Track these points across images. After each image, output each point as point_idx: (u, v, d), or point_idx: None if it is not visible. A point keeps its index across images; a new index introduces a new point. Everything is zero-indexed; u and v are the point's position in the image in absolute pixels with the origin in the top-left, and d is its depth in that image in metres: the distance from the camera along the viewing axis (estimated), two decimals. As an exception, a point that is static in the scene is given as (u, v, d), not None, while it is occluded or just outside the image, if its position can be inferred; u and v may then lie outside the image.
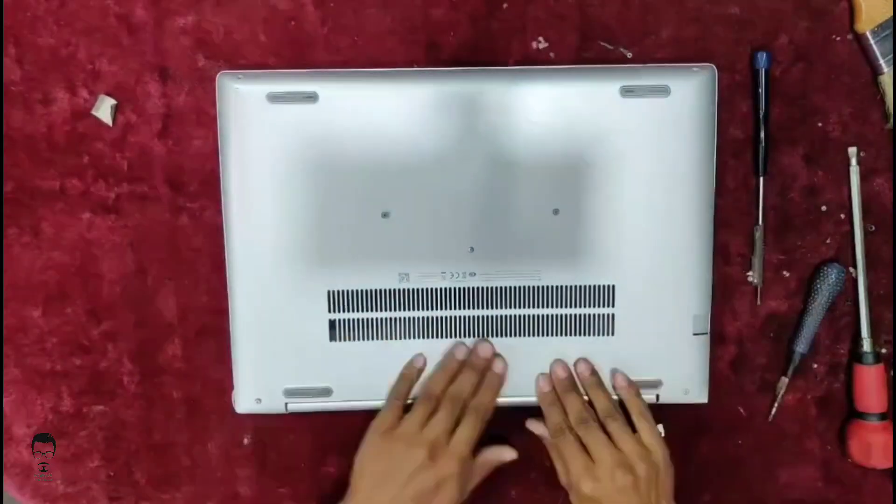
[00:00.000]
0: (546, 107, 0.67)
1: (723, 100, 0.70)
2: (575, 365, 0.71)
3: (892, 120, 0.71)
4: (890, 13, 0.69)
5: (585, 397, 0.70)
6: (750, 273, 0.73)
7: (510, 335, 0.70)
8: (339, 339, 0.70)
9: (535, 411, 0.73)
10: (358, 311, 0.69)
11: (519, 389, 0.71)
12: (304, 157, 0.67)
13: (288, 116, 0.67)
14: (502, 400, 0.71)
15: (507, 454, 0.72)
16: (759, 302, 0.73)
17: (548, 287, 0.69)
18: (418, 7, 0.70)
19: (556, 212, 0.68)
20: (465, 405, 0.69)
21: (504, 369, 0.70)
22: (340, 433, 0.74)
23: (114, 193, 0.71)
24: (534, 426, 0.72)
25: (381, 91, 0.67)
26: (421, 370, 0.71)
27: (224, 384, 0.73)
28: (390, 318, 0.70)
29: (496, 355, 0.71)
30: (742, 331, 0.74)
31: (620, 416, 0.68)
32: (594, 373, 0.71)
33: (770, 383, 0.75)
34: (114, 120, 0.71)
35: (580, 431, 0.67)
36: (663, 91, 0.67)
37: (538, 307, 0.70)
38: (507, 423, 0.74)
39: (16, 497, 0.75)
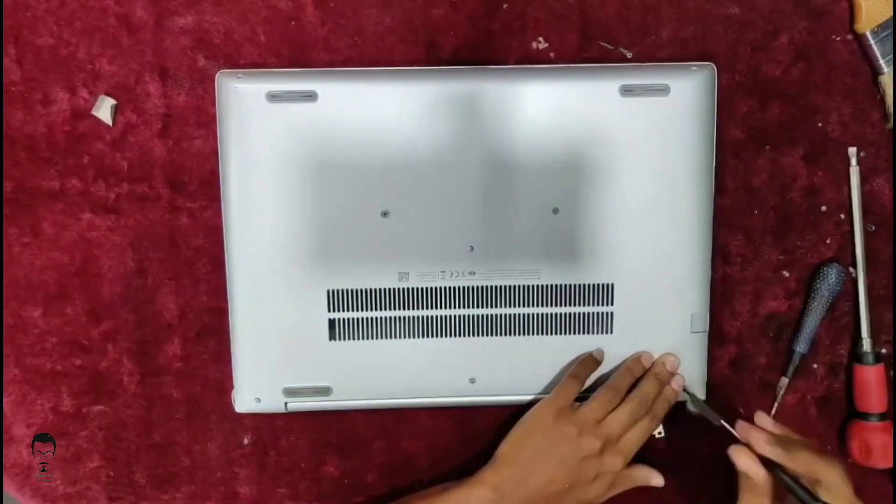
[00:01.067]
0: (546, 106, 0.67)
1: (722, 99, 0.70)
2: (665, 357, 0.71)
3: (892, 120, 0.71)
4: (890, 13, 0.69)
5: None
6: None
7: (510, 334, 0.70)
8: (339, 339, 0.70)
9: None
10: (357, 310, 0.69)
11: (518, 389, 0.71)
12: (303, 156, 0.67)
13: (287, 115, 0.67)
14: (502, 399, 0.72)
15: (655, 479, 0.72)
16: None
17: (547, 286, 0.69)
18: (418, 7, 0.70)
19: (555, 211, 0.68)
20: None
21: (681, 386, 0.71)
22: (340, 433, 0.74)
23: (114, 193, 0.71)
24: None
25: (380, 90, 0.67)
26: (600, 362, 0.71)
27: (224, 384, 0.73)
28: (390, 318, 0.70)
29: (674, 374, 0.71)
30: (742, 331, 0.74)
31: (638, 406, 0.69)
32: (669, 371, 0.71)
33: (770, 383, 0.75)
34: (114, 120, 0.71)
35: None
36: (663, 90, 0.67)
37: (538, 306, 0.70)
38: (506, 423, 0.74)
39: (16, 497, 0.75)
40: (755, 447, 0.63)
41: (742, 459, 0.64)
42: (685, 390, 0.71)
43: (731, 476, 0.75)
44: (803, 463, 0.61)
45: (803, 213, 0.73)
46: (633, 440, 0.68)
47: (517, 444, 0.68)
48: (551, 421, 0.68)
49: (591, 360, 0.70)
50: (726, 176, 0.72)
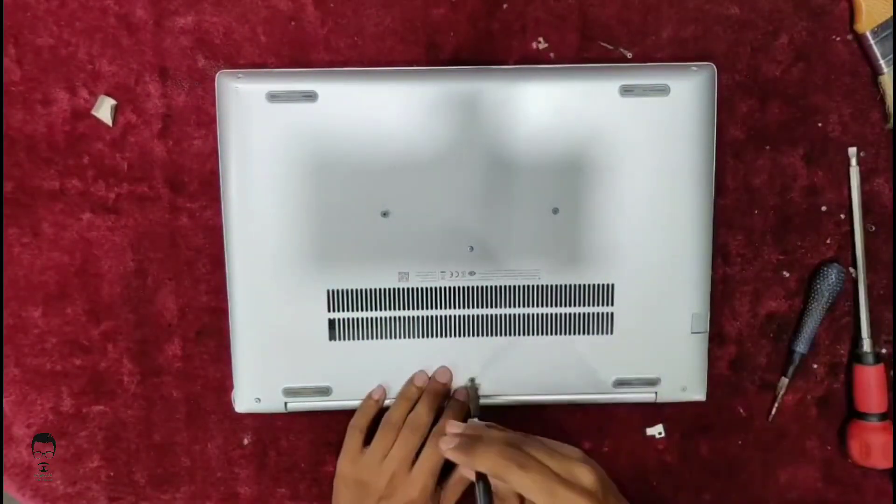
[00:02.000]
0: (546, 106, 0.67)
1: (722, 99, 0.70)
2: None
3: (892, 120, 0.71)
4: (890, 13, 0.69)
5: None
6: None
7: (509, 334, 0.70)
8: (339, 339, 0.70)
9: (536, 412, 0.73)
10: (357, 310, 0.69)
11: (517, 388, 0.71)
12: (303, 156, 0.67)
13: (287, 115, 0.67)
14: (502, 399, 0.72)
15: (466, 473, 0.69)
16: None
17: (547, 286, 0.69)
18: (418, 7, 0.70)
19: (555, 211, 0.68)
20: (427, 432, 0.69)
21: (466, 396, 0.70)
22: (340, 433, 0.74)
23: (114, 193, 0.71)
24: None
25: (380, 90, 0.67)
26: (379, 401, 0.71)
27: (224, 384, 0.73)
28: (390, 318, 0.70)
29: (469, 385, 0.71)
30: (742, 331, 0.74)
31: (411, 433, 0.69)
32: (442, 383, 0.71)
33: (770, 383, 0.75)
34: (114, 120, 0.71)
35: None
36: (663, 90, 0.67)
37: (537, 306, 0.70)
38: (503, 424, 0.74)
39: (16, 497, 0.75)
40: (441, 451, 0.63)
41: (462, 470, 0.65)
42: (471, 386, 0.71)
43: (731, 476, 0.75)
44: (489, 468, 0.59)
45: (803, 213, 0.73)
46: (424, 468, 0.68)
47: None
48: (345, 475, 0.70)
49: (363, 408, 0.71)
50: (726, 176, 0.72)
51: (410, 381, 0.71)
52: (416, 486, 0.67)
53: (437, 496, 0.69)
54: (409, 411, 0.70)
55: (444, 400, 0.71)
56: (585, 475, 0.58)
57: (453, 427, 0.63)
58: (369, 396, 0.71)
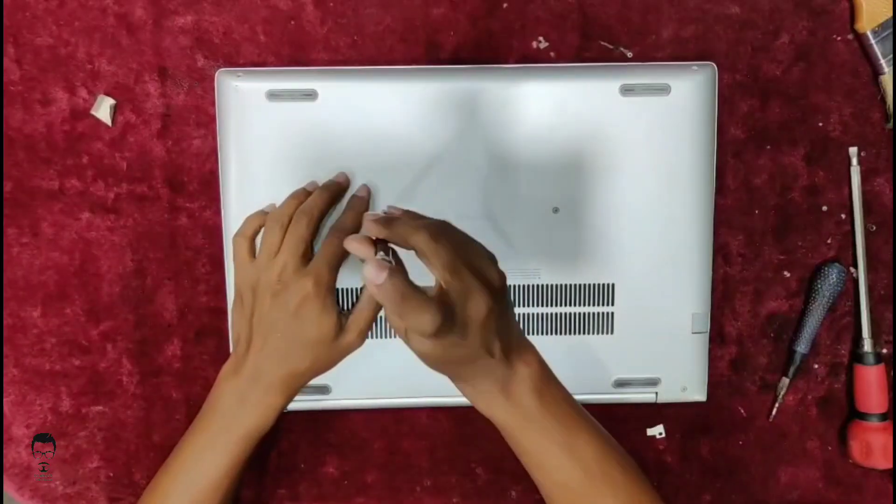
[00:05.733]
0: (546, 106, 0.67)
1: (723, 99, 0.70)
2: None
3: (892, 120, 0.71)
4: (890, 13, 0.69)
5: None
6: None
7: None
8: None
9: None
10: (357, 310, 0.69)
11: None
12: (303, 155, 0.67)
13: (287, 114, 0.67)
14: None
15: (378, 276, 0.59)
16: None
17: (547, 285, 0.69)
18: (418, 7, 0.70)
19: (555, 210, 0.68)
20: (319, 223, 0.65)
21: (368, 193, 0.67)
22: (340, 433, 0.74)
23: (113, 193, 0.71)
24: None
25: (380, 89, 0.67)
26: (263, 213, 0.67)
27: (223, 384, 0.73)
28: (390, 317, 0.70)
29: (365, 185, 0.67)
30: (742, 331, 0.74)
31: (297, 222, 0.64)
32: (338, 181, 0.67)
33: (770, 383, 0.75)
34: (113, 120, 0.70)
35: None
36: (663, 90, 0.67)
37: (538, 305, 0.70)
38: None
39: (15, 497, 0.75)
40: (364, 229, 0.58)
41: (353, 245, 0.57)
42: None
43: (731, 476, 0.75)
44: (397, 232, 0.56)
45: (804, 212, 0.73)
46: (320, 258, 0.63)
47: (234, 323, 0.66)
48: (239, 283, 0.65)
49: (256, 214, 0.67)
50: (727, 176, 0.72)
51: (302, 188, 0.67)
52: (310, 278, 0.62)
53: (343, 322, 0.64)
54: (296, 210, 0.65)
55: (339, 197, 0.67)
56: (493, 272, 0.56)
57: (371, 215, 0.58)
58: (256, 212, 0.67)
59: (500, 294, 0.56)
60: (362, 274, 0.51)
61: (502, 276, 0.57)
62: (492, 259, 0.57)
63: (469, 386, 0.58)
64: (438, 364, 0.57)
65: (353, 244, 0.57)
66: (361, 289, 0.68)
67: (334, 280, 0.63)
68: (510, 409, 0.58)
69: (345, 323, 0.64)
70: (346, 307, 0.69)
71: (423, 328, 0.53)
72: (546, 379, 0.59)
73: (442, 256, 0.54)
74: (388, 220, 0.57)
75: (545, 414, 0.58)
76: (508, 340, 0.57)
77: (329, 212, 0.66)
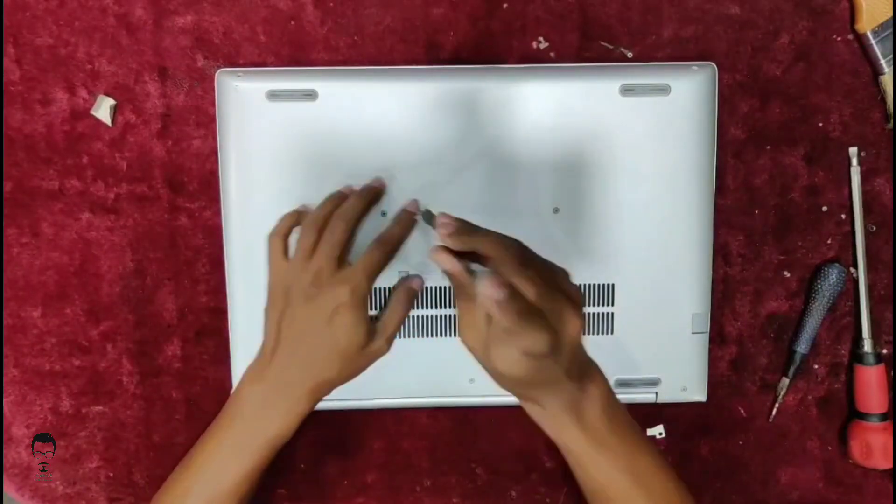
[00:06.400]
0: (546, 106, 0.67)
1: (723, 99, 0.70)
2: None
3: (892, 120, 0.71)
4: (890, 13, 0.69)
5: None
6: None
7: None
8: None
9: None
10: (357, 310, 0.69)
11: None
12: (303, 155, 0.67)
13: (287, 114, 0.67)
14: (501, 399, 0.71)
15: (414, 282, 0.67)
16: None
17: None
18: (418, 7, 0.70)
19: (555, 210, 0.68)
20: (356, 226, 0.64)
21: (417, 210, 0.66)
22: (340, 433, 0.74)
23: (113, 193, 0.71)
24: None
25: (380, 89, 0.67)
26: (302, 212, 0.66)
27: (224, 384, 0.73)
28: (390, 318, 0.70)
29: (415, 200, 0.66)
30: (742, 331, 0.74)
31: (334, 224, 0.63)
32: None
33: (770, 384, 0.75)
34: (113, 120, 0.70)
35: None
36: (663, 90, 0.67)
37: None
38: (502, 424, 0.74)
39: (15, 497, 0.75)
40: (439, 235, 0.57)
41: (440, 258, 0.56)
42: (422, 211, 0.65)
43: (731, 476, 0.75)
44: (480, 243, 0.56)
45: (804, 213, 0.73)
46: (358, 266, 0.61)
47: (264, 326, 0.64)
48: (272, 283, 0.64)
49: (286, 215, 0.66)
50: (727, 176, 0.72)
51: (338, 191, 0.66)
52: (347, 286, 0.60)
53: (373, 328, 0.63)
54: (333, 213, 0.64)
55: (376, 202, 0.66)
56: (574, 289, 0.56)
57: (445, 216, 0.57)
58: (291, 211, 0.66)
59: (582, 318, 0.56)
60: (478, 290, 0.50)
61: (580, 292, 0.56)
62: (567, 275, 0.57)
63: (539, 407, 0.58)
64: (518, 385, 0.57)
65: (443, 256, 0.56)
66: (390, 289, 0.67)
67: (370, 290, 0.62)
68: (580, 433, 0.58)
69: (373, 329, 0.63)
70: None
71: (538, 347, 0.52)
72: (612, 399, 0.60)
73: (533, 277, 0.54)
74: (470, 231, 0.56)
75: (612, 437, 0.59)
76: (581, 360, 0.58)
77: (364, 217, 0.65)
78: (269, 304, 0.64)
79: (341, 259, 0.62)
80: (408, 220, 0.65)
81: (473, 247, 0.56)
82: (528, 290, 0.53)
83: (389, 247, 0.63)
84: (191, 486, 0.64)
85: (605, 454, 0.59)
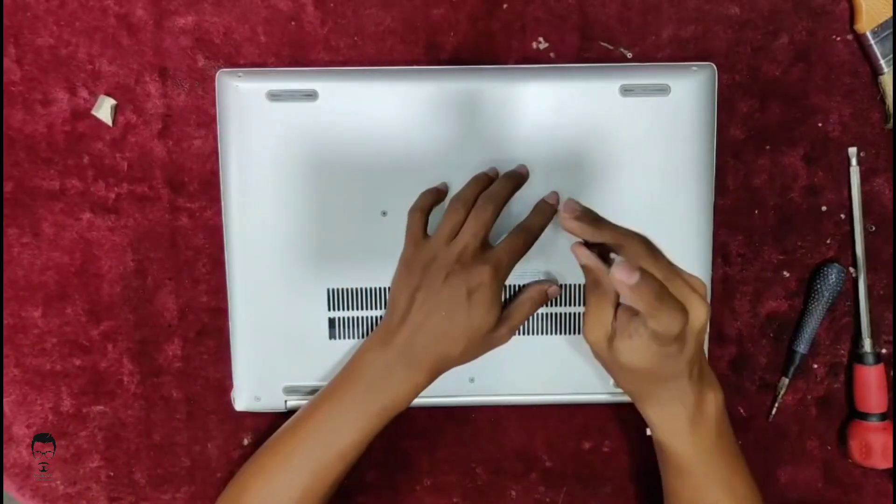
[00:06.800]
0: (546, 106, 0.67)
1: (723, 99, 0.70)
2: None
3: (892, 120, 0.71)
4: (890, 13, 0.69)
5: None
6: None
7: (510, 334, 0.70)
8: (339, 338, 0.70)
9: (535, 412, 0.74)
10: (357, 309, 0.69)
11: (517, 388, 0.71)
12: (303, 155, 0.67)
13: (288, 114, 0.67)
14: (501, 398, 0.72)
15: (551, 288, 0.68)
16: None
17: (547, 286, 0.69)
18: (418, 7, 0.70)
19: (555, 210, 0.68)
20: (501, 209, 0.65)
21: (557, 202, 0.66)
22: (340, 433, 0.74)
23: (114, 194, 0.71)
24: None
25: (380, 89, 0.67)
26: (442, 192, 0.67)
27: (224, 384, 0.73)
28: (390, 317, 0.70)
29: (555, 192, 0.67)
30: (742, 331, 0.74)
31: (483, 207, 0.65)
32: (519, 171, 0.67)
33: (770, 383, 0.75)
34: (114, 120, 0.71)
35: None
36: (663, 90, 0.67)
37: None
38: (502, 424, 0.74)
39: (16, 497, 0.75)
40: (563, 224, 0.59)
41: (579, 252, 0.59)
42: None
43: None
44: (609, 236, 0.57)
45: (803, 213, 0.73)
46: (500, 249, 0.63)
47: (393, 296, 0.65)
48: (410, 257, 0.65)
49: (425, 193, 0.67)
50: (726, 176, 0.72)
51: (483, 172, 0.67)
52: (488, 268, 0.62)
53: (502, 314, 0.65)
54: (480, 194, 0.65)
55: (520, 187, 0.67)
56: (700, 283, 0.57)
57: (573, 202, 0.59)
58: (432, 188, 0.67)
59: (709, 307, 0.57)
60: (611, 273, 0.51)
61: (705, 286, 0.58)
62: (686, 272, 0.58)
63: (658, 409, 0.60)
64: (641, 379, 0.59)
65: (580, 249, 0.58)
66: (522, 286, 0.69)
67: (509, 274, 0.64)
68: (691, 440, 0.60)
69: (502, 316, 0.65)
70: (338, 305, 0.69)
71: (672, 327, 0.53)
72: (725, 414, 0.61)
73: (661, 266, 0.55)
74: (596, 219, 0.58)
75: (720, 451, 0.61)
76: (702, 363, 0.59)
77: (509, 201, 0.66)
78: (403, 276, 0.65)
79: (486, 240, 0.64)
80: (548, 210, 0.66)
81: (602, 237, 0.57)
82: (658, 276, 0.54)
83: (530, 234, 0.65)
84: (298, 447, 0.64)
85: (710, 466, 0.61)
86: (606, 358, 0.59)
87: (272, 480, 0.64)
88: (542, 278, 0.69)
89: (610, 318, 0.58)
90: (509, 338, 0.66)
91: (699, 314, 0.56)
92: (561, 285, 0.69)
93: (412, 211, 0.67)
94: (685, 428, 0.60)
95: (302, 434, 0.65)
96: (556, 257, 0.69)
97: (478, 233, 0.63)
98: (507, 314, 0.66)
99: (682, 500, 0.63)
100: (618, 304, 0.59)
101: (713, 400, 0.60)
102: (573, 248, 0.59)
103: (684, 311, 0.54)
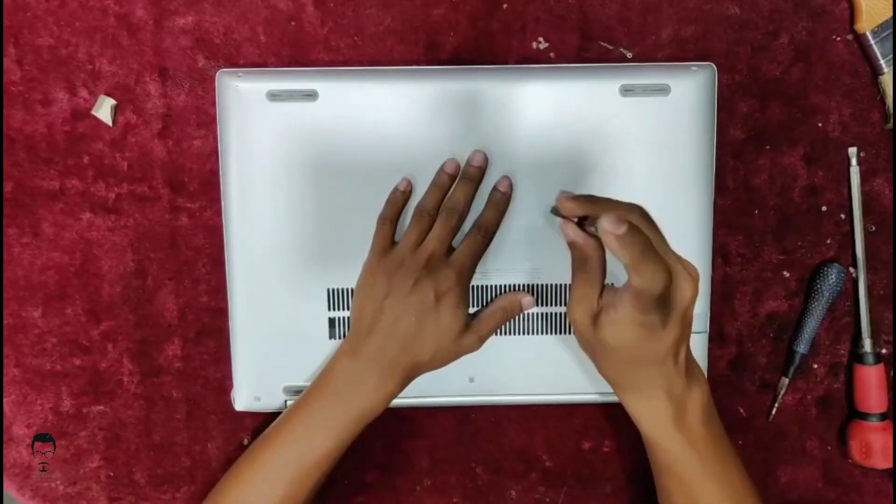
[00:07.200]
0: (546, 106, 0.67)
1: (723, 99, 0.70)
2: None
3: (892, 120, 0.71)
4: (890, 13, 0.69)
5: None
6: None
7: (509, 333, 0.70)
8: (339, 338, 0.70)
9: (535, 412, 0.74)
10: (357, 309, 0.69)
11: (517, 388, 0.71)
12: (303, 155, 0.67)
13: (288, 114, 0.67)
14: (501, 398, 0.71)
15: (525, 299, 0.68)
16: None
17: (547, 286, 0.69)
18: (418, 7, 0.70)
19: (555, 210, 0.68)
20: (464, 217, 0.66)
21: (509, 188, 0.67)
22: (340, 433, 0.74)
23: (114, 194, 0.71)
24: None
25: (381, 89, 0.67)
26: (406, 193, 0.67)
27: (224, 384, 0.73)
28: (390, 317, 0.70)
29: (505, 177, 0.67)
30: (742, 331, 0.74)
31: (448, 216, 0.66)
32: (477, 167, 0.67)
33: (770, 383, 0.75)
34: (114, 120, 0.71)
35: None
36: (663, 90, 0.67)
37: (537, 305, 0.70)
38: (502, 424, 0.74)
39: (16, 497, 0.75)
40: (560, 208, 0.61)
41: (567, 229, 0.61)
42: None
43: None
44: (603, 207, 0.59)
45: (803, 213, 0.73)
46: (463, 251, 0.65)
47: (360, 305, 0.66)
48: (377, 266, 0.66)
49: (390, 202, 0.67)
50: (726, 176, 0.72)
51: (442, 170, 0.67)
52: (453, 273, 0.64)
53: (470, 322, 0.66)
54: (443, 199, 0.67)
55: (478, 186, 0.67)
56: (691, 265, 0.58)
57: (568, 195, 0.61)
58: (395, 189, 0.67)
59: (697, 288, 0.58)
60: (598, 225, 0.53)
61: (697, 271, 0.58)
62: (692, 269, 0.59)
63: (642, 399, 0.60)
64: (624, 361, 0.59)
65: (568, 226, 0.60)
66: (493, 299, 0.69)
67: (473, 274, 0.67)
68: (677, 432, 0.60)
69: (470, 324, 0.66)
70: (338, 305, 0.69)
71: (655, 284, 0.54)
72: (713, 408, 0.62)
73: (656, 233, 0.56)
74: (592, 197, 0.60)
75: (709, 444, 0.61)
76: (687, 354, 0.60)
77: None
78: (370, 284, 0.66)
79: (451, 246, 0.66)
80: (501, 201, 0.67)
81: (599, 209, 0.58)
82: (649, 236, 0.55)
83: (488, 231, 0.67)
84: (273, 457, 0.65)
85: (700, 463, 0.61)
86: (590, 339, 0.60)
87: (248, 490, 0.65)
88: (518, 291, 0.69)
89: (595, 296, 0.59)
90: (479, 346, 0.67)
91: (685, 288, 0.57)
92: (560, 285, 0.69)
93: (382, 220, 0.67)
94: (670, 418, 0.60)
95: (276, 445, 0.65)
96: (551, 258, 0.69)
97: (444, 239, 0.65)
98: (477, 323, 0.67)
99: (674, 497, 0.63)
100: (603, 287, 0.60)
101: (699, 395, 0.60)
102: (562, 226, 0.61)
103: (668, 272, 0.54)
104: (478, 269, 0.68)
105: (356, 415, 0.65)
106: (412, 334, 0.64)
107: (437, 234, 0.65)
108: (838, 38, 0.71)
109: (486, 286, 0.69)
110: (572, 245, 0.61)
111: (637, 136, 0.68)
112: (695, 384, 0.61)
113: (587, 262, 0.60)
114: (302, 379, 0.70)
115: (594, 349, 0.61)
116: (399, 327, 0.64)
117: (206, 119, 0.70)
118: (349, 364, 0.65)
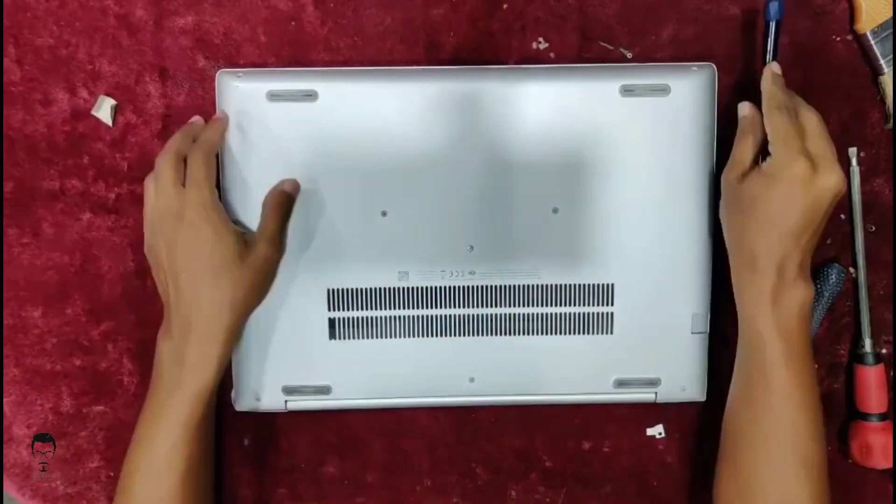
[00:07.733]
0: (546, 106, 0.67)
1: (722, 99, 0.70)
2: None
3: (892, 120, 0.71)
4: (890, 13, 0.69)
5: None
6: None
7: (509, 334, 0.70)
8: (339, 338, 0.70)
9: (535, 412, 0.74)
10: (357, 309, 0.69)
11: (517, 388, 0.71)
12: (303, 155, 0.67)
13: (288, 115, 0.67)
14: (501, 398, 0.71)
15: (286, 184, 0.67)
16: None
17: (547, 286, 0.69)
18: (418, 7, 0.70)
19: (555, 210, 0.68)
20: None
21: (225, 115, 0.67)
22: (340, 433, 0.74)
23: (114, 194, 0.71)
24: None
25: (380, 89, 0.67)
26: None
27: (224, 384, 0.73)
28: (390, 317, 0.70)
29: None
30: (742, 331, 0.74)
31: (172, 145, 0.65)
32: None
33: (770, 383, 0.75)
34: (114, 120, 0.71)
35: None
36: (663, 90, 0.67)
37: (537, 306, 0.70)
38: (502, 424, 0.74)
39: (16, 497, 0.75)
40: (764, 81, 0.65)
41: (744, 106, 0.66)
42: None
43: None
44: (790, 98, 0.64)
45: (803, 213, 0.73)
46: (192, 170, 0.63)
47: (158, 282, 0.66)
48: (148, 224, 0.65)
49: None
50: (726, 176, 0.72)
51: (188, 126, 0.67)
52: (193, 189, 0.62)
53: (247, 235, 0.65)
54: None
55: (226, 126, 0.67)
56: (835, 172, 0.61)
57: (777, 68, 0.66)
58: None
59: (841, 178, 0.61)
60: (766, 69, 0.65)
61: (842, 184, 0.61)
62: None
63: (754, 273, 0.62)
64: (754, 219, 0.61)
65: (744, 104, 0.66)
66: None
67: (214, 184, 0.64)
68: (773, 315, 0.62)
69: (250, 238, 0.65)
70: (338, 305, 0.69)
71: (811, 123, 0.62)
72: (810, 315, 0.63)
73: (824, 132, 0.62)
74: (789, 91, 0.64)
75: (795, 338, 0.63)
76: (805, 260, 0.62)
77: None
78: (149, 252, 0.66)
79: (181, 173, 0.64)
80: (216, 123, 0.67)
81: (785, 100, 0.63)
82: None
83: (208, 145, 0.65)
84: (132, 462, 0.65)
85: (785, 345, 0.62)
86: (736, 195, 0.63)
87: (134, 498, 0.65)
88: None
89: (750, 158, 0.63)
90: (277, 251, 0.66)
91: (830, 175, 0.60)
92: (560, 285, 0.69)
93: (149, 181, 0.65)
94: (769, 296, 0.62)
95: (132, 448, 0.65)
96: (551, 257, 0.69)
97: (174, 177, 0.63)
98: (260, 229, 0.66)
99: (754, 379, 0.64)
100: (758, 155, 0.64)
101: (804, 291, 0.62)
102: (740, 104, 0.66)
103: (819, 121, 0.62)
104: (477, 270, 0.68)
105: (190, 394, 0.63)
106: (195, 284, 0.63)
107: (162, 164, 0.63)
108: (838, 39, 0.71)
109: (487, 286, 0.69)
110: (743, 119, 0.65)
111: (637, 137, 0.68)
112: (803, 284, 0.62)
113: (750, 134, 0.64)
114: (302, 379, 0.70)
115: (733, 208, 0.64)
116: (181, 286, 0.63)
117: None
118: (166, 345, 0.64)
